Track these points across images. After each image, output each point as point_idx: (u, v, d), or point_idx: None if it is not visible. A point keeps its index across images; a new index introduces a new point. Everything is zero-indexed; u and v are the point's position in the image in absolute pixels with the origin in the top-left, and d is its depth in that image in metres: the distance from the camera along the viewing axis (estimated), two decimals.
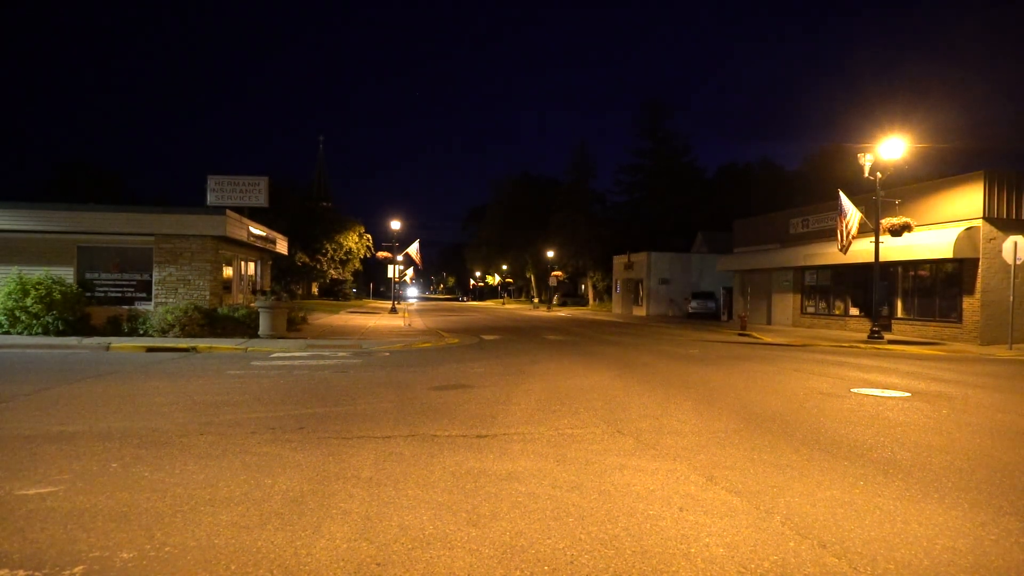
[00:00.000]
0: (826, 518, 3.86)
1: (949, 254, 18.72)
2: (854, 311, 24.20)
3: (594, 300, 64.07)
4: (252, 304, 18.15)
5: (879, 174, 18.45)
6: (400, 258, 38.95)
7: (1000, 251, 17.73)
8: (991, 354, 15.81)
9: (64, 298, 15.29)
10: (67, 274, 16.35)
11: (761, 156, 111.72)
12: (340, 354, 13.49)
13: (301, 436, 5.78)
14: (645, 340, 19.07)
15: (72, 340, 14.16)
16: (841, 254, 20.05)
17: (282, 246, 24.16)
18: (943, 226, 19.69)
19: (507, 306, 65.97)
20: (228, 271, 19.49)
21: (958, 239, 18.57)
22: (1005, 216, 18.82)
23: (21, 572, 2.98)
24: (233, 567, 3.07)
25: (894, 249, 19.81)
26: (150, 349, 13.42)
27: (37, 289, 14.98)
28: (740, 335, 21.94)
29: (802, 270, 26.89)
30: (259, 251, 22.51)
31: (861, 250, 20.53)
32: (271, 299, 16.83)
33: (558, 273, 58.64)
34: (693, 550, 3.37)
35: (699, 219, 58.17)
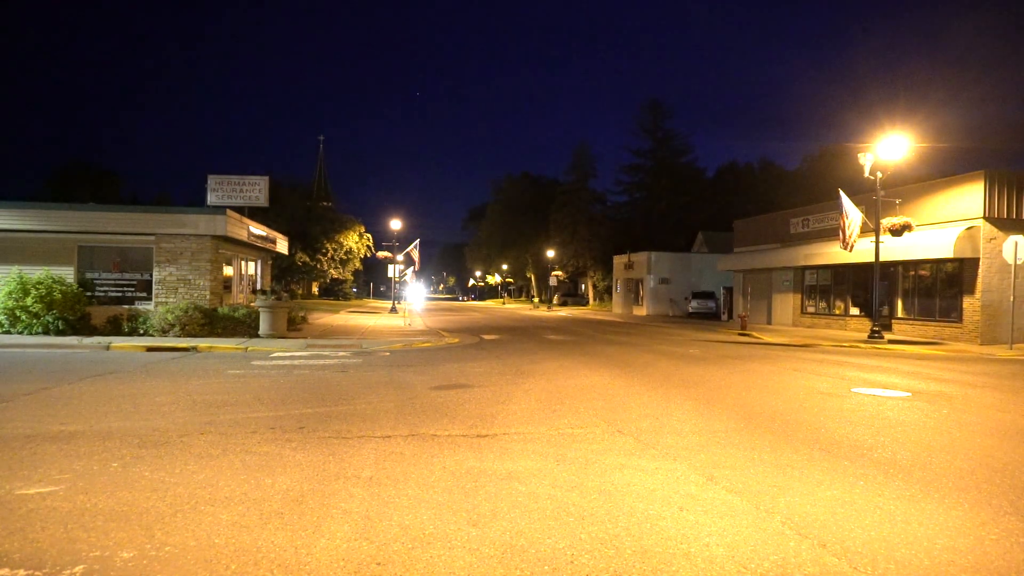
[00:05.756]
0: (826, 518, 3.86)
1: (949, 254, 18.71)
2: (854, 311, 24.19)
3: (594, 300, 64.07)
4: (252, 304, 18.15)
5: (879, 174, 18.43)
6: (400, 258, 38.96)
7: (1000, 251, 17.72)
8: (991, 354, 15.81)
9: (64, 297, 15.29)
10: (67, 274, 16.35)
11: (761, 156, 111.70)
12: (340, 354, 13.49)
13: (301, 436, 5.78)
14: (645, 340, 19.06)
15: (72, 340, 14.16)
16: (842, 253, 20.05)
17: (282, 246, 24.17)
18: (943, 226, 19.67)
19: (507, 306, 65.96)
20: (228, 271, 19.50)
21: (958, 239, 18.56)
22: (1005, 216, 18.81)
23: (21, 572, 2.98)
24: (233, 567, 3.07)
25: (894, 249, 19.78)
26: (150, 349, 13.42)
27: (37, 288, 14.98)
28: (740, 335, 21.93)
29: (802, 270, 26.89)
30: (259, 251, 22.51)
31: (861, 250, 20.50)
32: (271, 299, 16.83)
33: (558, 273, 58.64)
34: (693, 550, 3.36)
35: (699, 219, 58.19)
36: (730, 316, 33.01)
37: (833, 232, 20.22)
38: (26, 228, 16.46)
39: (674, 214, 59.64)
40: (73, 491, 4.12)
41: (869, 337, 18.42)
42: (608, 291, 57.72)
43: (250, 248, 20.87)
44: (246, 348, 13.82)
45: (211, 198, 19.06)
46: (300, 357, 12.63)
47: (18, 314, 14.98)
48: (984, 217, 18.65)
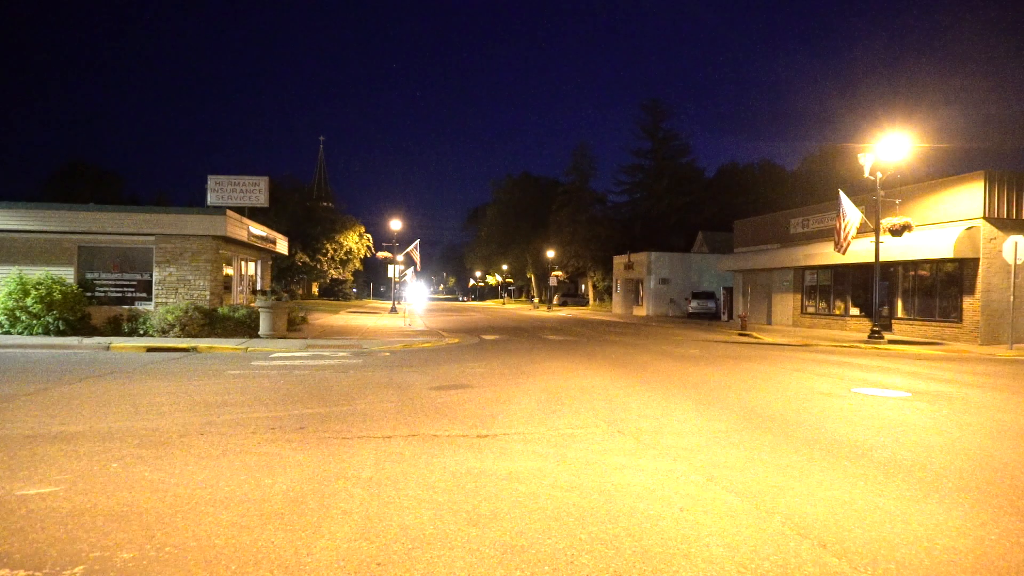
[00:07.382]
0: (826, 518, 3.86)
1: (949, 254, 18.70)
2: (854, 311, 24.19)
3: (594, 300, 64.07)
4: (252, 304, 18.16)
5: (879, 174, 18.43)
6: (400, 258, 38.96)
7: (1000, 251, 17.71)
8: (991, 354, 15.81)
9: (64, 298, 15.29)
10: (67, 274, 16.35)
11: (761, 156, 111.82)
12: (340, 354, 13.49)
13: (301, 436, 5.78)
14: (645, 340, 19.06)
15: (72, 340, 14.16)
16: (841, 254, 20.03)
17: (282, 246, 24.16)
18: (943, 226, 19.67)
19: (507, 306, 65.97)
20: (228, 271, 19.49)
21: (958, 239, 18.56)
22: (1005, 216, 18.80)
23: (21, 572, 2.98)
24: (233, 567, 3.07)
25: (894, 249, 19.78)
26: (150, 349, 13.42)
27: (37, 289, 14.98)
28: (740, 335, 21.93)
29: (802, 270, 26.88)
30: (259, 251, 22.51)
31: (861, 250, 20.52)
32: (271, 299, 16.82)
33: (558, 273, 58.60)
34: (693, 550, 3.36)
35: (699, 219, 58.15)
36: (730, 316, 33.01)
37: (833, 232, 20.20)
38: (26, 228, 16.45)
39: (674, 214, 59.60)
40: (73, 491, 4.12)
41: (869, 337, 18.42)
42: (608, 291, 57.70)
43: (250, 248, 20.86)
44: (246, 348, 13.82)
45: (211, 198, 19.05)
46: (300, 357, 12.63)
47: (18, 314, 14.98)
48: (984, 217, 18.65)
